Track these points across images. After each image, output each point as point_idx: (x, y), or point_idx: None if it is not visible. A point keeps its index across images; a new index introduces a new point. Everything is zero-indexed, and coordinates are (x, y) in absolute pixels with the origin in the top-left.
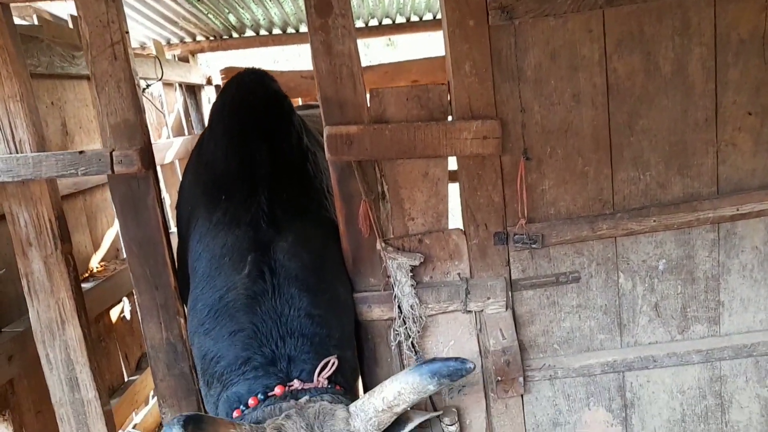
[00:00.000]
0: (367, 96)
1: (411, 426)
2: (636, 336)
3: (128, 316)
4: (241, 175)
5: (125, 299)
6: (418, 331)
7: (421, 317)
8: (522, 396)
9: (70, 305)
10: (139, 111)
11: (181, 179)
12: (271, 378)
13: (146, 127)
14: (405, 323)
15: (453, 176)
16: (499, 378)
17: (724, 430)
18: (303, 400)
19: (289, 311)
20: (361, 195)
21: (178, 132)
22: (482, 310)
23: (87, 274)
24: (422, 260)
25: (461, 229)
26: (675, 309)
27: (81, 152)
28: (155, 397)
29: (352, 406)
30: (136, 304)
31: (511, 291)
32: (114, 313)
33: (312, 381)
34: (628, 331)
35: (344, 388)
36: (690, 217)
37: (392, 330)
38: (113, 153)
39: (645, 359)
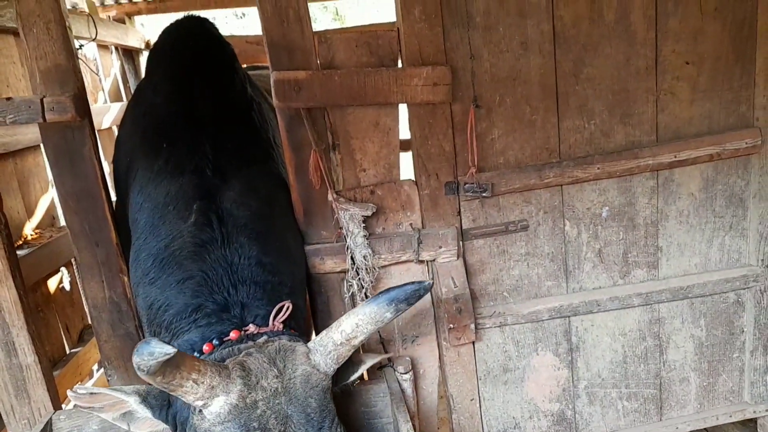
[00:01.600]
0: (315, 42)
1: (363, 368)
2: (581, 282)
3: (68, 287)
4: (183, 121)
5: (64, 269)
6: (372, 282)
7: (374, 268)
8: (473, 343)
9: (3, 265)
10: (72, 55)
11: (117, 133)
12: (224, 324)
13: (80, 73)
14: (358, 274)
15: (405, 145)
16: (452, 326)
17: (662, 369)
18: (262, 340)
19: (239, 260)
20: (311, 144)
21: (116, 98)
22: (434, 260)
23: (21, 242)
24: (375, 210)
25: (413, 180)
26: (617, 255)
27: (8, 99)
28: (100, 370)
29: (311, 343)
30: (75, 264)
31: (462, 241)
32: (52, 284)
33: (267, 326)
34: (573, 277)
35: (298, 333)
36: (631, 165)
37: (345, 282)
38: (44, 99)
39: (589, 304)
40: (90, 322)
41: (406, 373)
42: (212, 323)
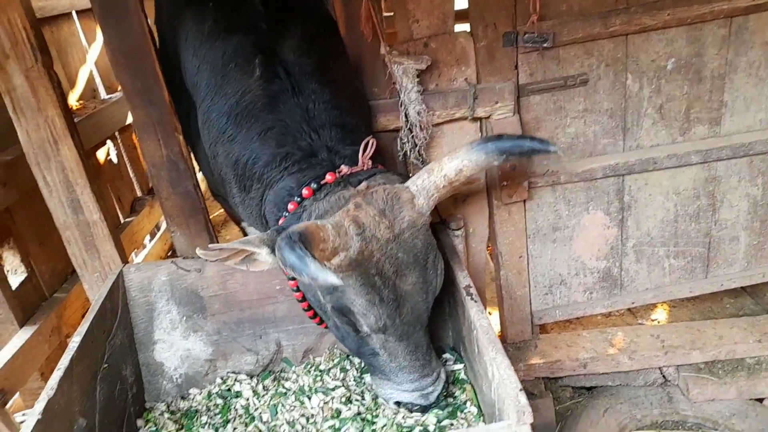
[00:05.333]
0: None
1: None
2: (638, 139)
3: (115, 160)
4: None
5: (110, 142)
6: (426, 139)
7: (428, 125)
8: (524, 202)
9: (61, 123)
10: None
11: None
12: (316, 168)
13: None
14: (411, 132)
15: None
16: (505, 183)
17: (712, 227)
18: (362, 186)
19: (314, 105)
20: None
21: None
22: (489, 116)
23: None
24: (429, 63)
25: (468, 32)
26: (679, 110)
27: None
28: (152, 240)
29: (412, 185)
30: (118, 139)
31: (518, 97)
32: (100, 156)
33: (357, 164)
34: (631, 134)
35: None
36: (704, 10)
37: (398, 140)
38: None
39: (646, 162)
40: (150, 181)
41: (457, 230)
42: (303, 169)
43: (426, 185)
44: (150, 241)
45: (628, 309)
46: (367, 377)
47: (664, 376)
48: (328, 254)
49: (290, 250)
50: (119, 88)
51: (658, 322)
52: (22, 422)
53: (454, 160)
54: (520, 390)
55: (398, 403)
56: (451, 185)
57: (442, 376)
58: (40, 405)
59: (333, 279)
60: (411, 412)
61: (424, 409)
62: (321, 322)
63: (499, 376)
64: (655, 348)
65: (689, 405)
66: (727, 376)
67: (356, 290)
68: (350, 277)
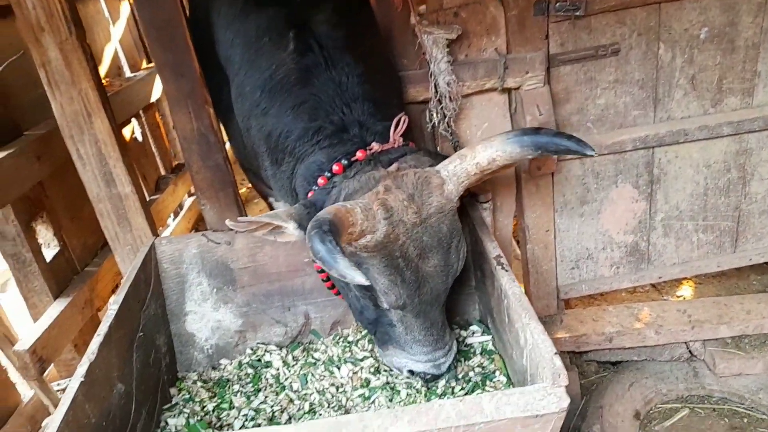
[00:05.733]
0: None
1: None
2: (669, 111)
3: (140, 138)
4: None
5: (134, 121)
6: (455, 110)
7: (458, 96)
8: (552, 176)
9: (94, 96)
10: None
11: None
12: (347, 144)
13: None
14: (441, 102)
15: None
16: None
17: (742, 201)
18: (393, 167)
19: (347, 79)
20: None
21: None
22: (519, 87)
23: None
24: (460, 32)
25: (499, 1)
26: (711, 81)
27: None
28: (176, 219)
29: (443, 171)
30: (165, 94)
31: (548, 67)
32: (125, 133)
33: (387, 142)
34: (662, 105)
35: (416, 147)
36: None
37: (427, 111)
38: None
39: (676, 133)
40: (182, 154)
41: (486, 202)
42: (334, 144)
43: (457, 171)
44: (173, 220)
45: (653, 286)
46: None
47: (690, 351)
48: (355, 236)
49: (321, 243)
50: (143, 66)
51: (684, 299)
52: (58, 391)
53: (488, 149)
54: (555, 353)
55: (411, 372)
56: (482, 173)
57: (453, 348)
58: (82, 368)
59: (360, 279)
60: (423, 380)
61: (435, 378)
62: (339, 293)
63: (533, 340)
64: (682, 322)
65: (715, 380)
66: (755, 350)
67: (380, 270)
68: (374, 258)
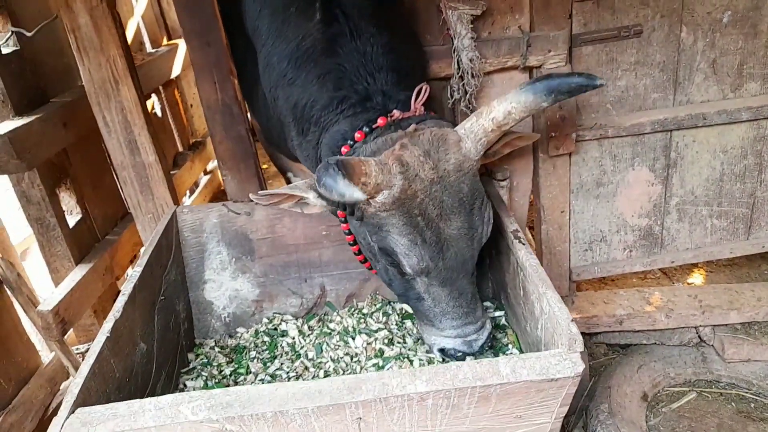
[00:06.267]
0: None
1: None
2: (689, 94)
3: (159, 113)
4: None
5: (154, 96)
6: (476, 86)
7: (480, 72)
8: (570, 156)
9: (122, 63)
10: None
11: None
12: (369, 112)
13: None
14: (463, 79)
15: None
16: (553, 134)
17: (758, 188)
18: (411, 128)
19: (372, 49)
20: None
21: None
22: (541, 65)
23: None
24: (484, 9)
25: None
26: (732, 66)
27: None
28: (192, 196)
29: (461, 129)
30: (191, 62)
31: (570, 47)
32: None
33: (409, 110)
34: (682, 89)
35: (438, 116)
36: None
37: (448, 87)
38: None
39: (695, 117)
40: (206, 123)
41: (503, 180)
42: (358, 112)
43: (474, 129)
44: (189, 198)
45: (664, 272)
46: (408, 322)
47: (699, 336)
48: (370, 189)
49: (325, 171)
50: (164, 42)
51: (695, 285)
52: (78, 354)
53: (503, 103)
54: (571, 320)
55: (443, 351)
56: (500, 129)
57: (488, 326)
58: (108, 324)
59: (358, 194)
60: (456, 360)
61: (466, 357)
62: (371, 267)
63: (550, 309)
64: (692, 307)
65: (723, 365)
66: (764, 337)
67: (399, 229)
68: (393, 216)
